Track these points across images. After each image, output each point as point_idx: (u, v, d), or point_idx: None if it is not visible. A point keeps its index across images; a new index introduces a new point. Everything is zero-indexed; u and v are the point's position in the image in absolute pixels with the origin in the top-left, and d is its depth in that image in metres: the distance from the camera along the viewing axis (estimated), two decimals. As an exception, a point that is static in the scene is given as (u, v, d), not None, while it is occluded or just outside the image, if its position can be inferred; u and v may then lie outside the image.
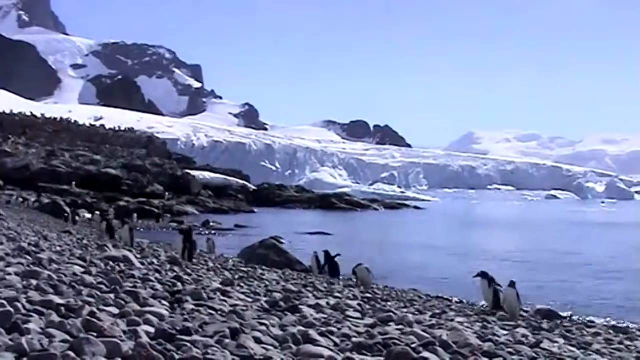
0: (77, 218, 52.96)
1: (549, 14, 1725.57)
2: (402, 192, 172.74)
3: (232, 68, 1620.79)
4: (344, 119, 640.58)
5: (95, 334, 6.34)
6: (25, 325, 6.31)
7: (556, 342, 12.90)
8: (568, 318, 22.36)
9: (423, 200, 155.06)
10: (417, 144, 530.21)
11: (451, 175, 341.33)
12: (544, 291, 29.67)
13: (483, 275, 20.53)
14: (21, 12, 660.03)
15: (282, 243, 39.90)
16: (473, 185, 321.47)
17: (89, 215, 60.87)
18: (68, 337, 6.21)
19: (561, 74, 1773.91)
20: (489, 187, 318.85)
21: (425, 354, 7.96)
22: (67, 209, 58.79)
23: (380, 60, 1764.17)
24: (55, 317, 7.01)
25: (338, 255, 29.13)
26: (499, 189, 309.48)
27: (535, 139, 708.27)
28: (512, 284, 18.72)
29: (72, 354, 5.47)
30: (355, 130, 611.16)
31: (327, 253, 29.27)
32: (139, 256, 20.43)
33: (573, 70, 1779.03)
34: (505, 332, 13.45)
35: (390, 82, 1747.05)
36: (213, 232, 58.63)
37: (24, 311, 7.13)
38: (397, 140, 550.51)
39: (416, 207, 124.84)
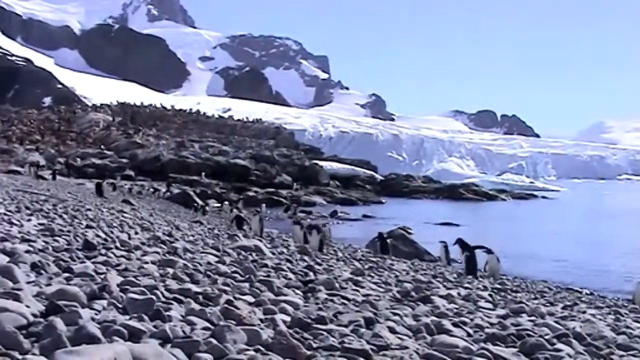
0: (206, 208, 53.87)
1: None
2: (531, 182, 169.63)
3: (358, 59, 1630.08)
4: (471, 109, 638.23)
5: (234, 322, 6.45)
6: (167, 313, 6.43)
7: (694, 335, 12.56)
8: None
9: (552, 190, 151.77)
10: (545, 133, 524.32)
11: (580, 165, 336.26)
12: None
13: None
14: (150, 6, 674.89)
15: (410, 233, 39.86)
16: (602, 175, 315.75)
17: (217, 205, 61.93)
18: (208, 325, 6.33)
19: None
20: (618, 177, 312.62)
21: (560, 346, 7.83)
22: (197, 199, 59.93)
23: (508, 50, 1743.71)
24: (194, 305, 7.14)
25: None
26: (629, 179, 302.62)
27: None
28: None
29: (214, 340, 5.55)
30: (483, 119, 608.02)
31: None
32: (269, 246, 20.70)
33: None
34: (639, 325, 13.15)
35: (518, 71, 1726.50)
36: (339, 221, 58.95)
37: (163, 299, 7.29)
38: (524, 129, 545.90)
39: (544, 197, 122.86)
